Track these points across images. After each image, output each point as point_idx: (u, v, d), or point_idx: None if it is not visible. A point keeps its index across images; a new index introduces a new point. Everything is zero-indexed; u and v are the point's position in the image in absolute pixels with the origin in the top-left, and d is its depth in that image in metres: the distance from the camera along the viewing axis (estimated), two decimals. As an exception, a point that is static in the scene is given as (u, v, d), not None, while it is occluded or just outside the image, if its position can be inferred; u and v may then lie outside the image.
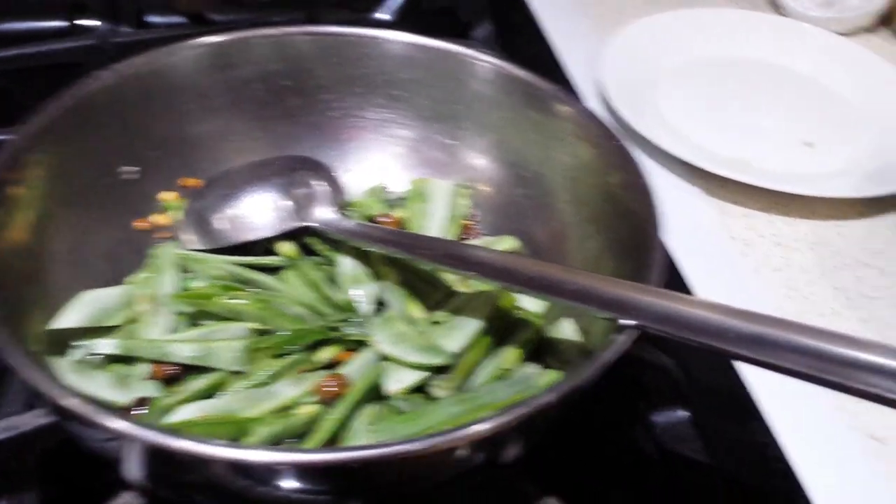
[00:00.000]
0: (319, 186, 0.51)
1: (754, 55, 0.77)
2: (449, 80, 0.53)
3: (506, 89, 0.52)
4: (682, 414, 0.47)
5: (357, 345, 0.45)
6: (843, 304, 0.55)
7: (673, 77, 0.74)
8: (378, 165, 0.56)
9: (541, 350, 0.46)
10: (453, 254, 0.43)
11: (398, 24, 0.76)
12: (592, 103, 0.69)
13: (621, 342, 0.36)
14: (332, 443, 0.40)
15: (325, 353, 0.44)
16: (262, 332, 0.45)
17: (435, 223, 0.52)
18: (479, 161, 0.55)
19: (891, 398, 0.29)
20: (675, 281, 0.55)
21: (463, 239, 0.53)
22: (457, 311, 0.46)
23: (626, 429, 0.47)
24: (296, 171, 0.53)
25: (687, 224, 0.60)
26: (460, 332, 0.44)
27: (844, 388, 0.30)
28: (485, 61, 0.52)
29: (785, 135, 0.69)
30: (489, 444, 0.34)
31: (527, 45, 0.78)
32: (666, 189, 0.62)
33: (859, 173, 0.65)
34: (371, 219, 0.52)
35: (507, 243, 0.52)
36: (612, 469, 0.45)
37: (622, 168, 0.46)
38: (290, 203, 0.50)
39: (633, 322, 0.35)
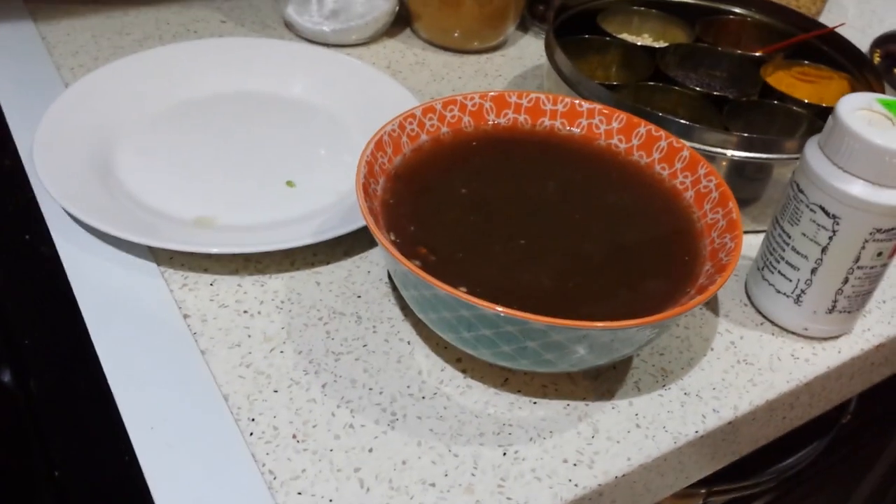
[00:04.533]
0: None
1: (238, 87, 0.69)
2: None
3: None
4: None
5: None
6: (304, 371, 0.48)
7: (140, 130, 0.64)
8: None
9: None
10: None
11: None
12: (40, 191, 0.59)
13: None
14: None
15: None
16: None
17: None
18: None
19: None
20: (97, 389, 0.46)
21: None
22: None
23: None
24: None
25: (130, 309, 0.51)
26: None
27: None
28: None
29: (261, 180, 0.61)
30: None
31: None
32: (106, 271, 0.53)
33: (346, 205, 0.59)
34: None
35: None
36: None
37: None
38: None
39: None
